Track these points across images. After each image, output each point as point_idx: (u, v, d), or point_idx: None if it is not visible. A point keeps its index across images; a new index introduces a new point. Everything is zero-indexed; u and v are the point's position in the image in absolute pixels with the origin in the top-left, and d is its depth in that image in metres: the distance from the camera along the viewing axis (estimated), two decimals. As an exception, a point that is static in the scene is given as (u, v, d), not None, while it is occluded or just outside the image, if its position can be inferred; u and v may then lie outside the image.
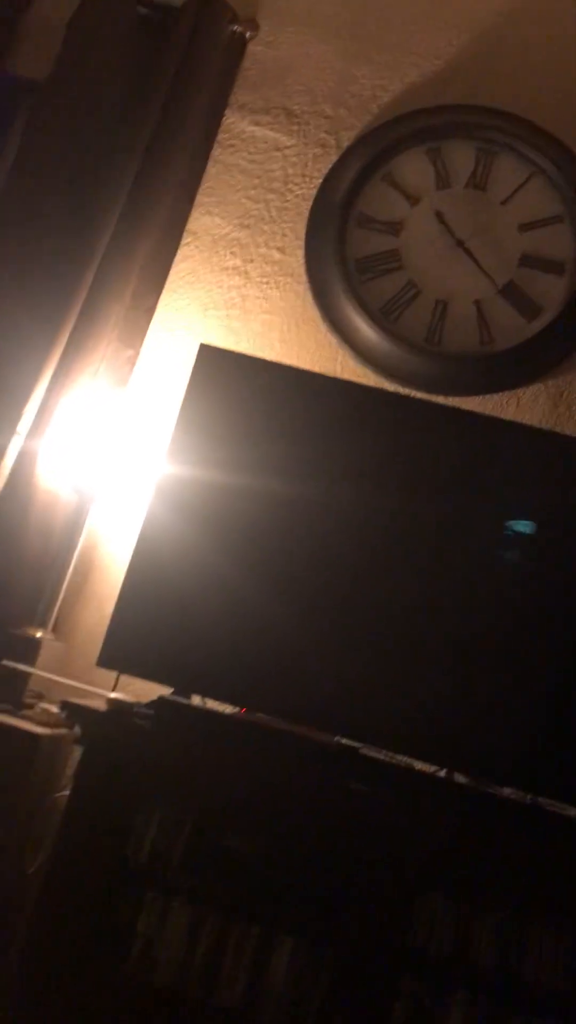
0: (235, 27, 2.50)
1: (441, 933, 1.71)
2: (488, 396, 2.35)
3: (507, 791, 1.90)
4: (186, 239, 2.48)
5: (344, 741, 1.90)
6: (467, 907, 1.71)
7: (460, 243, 2.39)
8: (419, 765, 1.91)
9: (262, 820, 1.78)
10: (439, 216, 2.40)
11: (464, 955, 1.70)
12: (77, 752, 1.98)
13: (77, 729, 1.95)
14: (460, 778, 1.92)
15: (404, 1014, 1.68)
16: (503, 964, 1.69)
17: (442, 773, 1.91)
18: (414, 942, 1.70)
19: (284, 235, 2.48)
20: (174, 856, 1.78)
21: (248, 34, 2.54)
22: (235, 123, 2.54)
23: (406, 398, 2.21)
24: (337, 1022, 1.68)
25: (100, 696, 2.02)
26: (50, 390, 2.28)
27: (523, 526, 1.96)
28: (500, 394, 2.35)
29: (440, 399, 2.31)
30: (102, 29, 2.44)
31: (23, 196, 2.38)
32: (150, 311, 2.40)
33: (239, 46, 2.54)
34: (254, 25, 2.55)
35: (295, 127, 2.52)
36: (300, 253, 2.45)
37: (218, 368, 2.06)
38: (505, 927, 1.70)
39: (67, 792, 1.88)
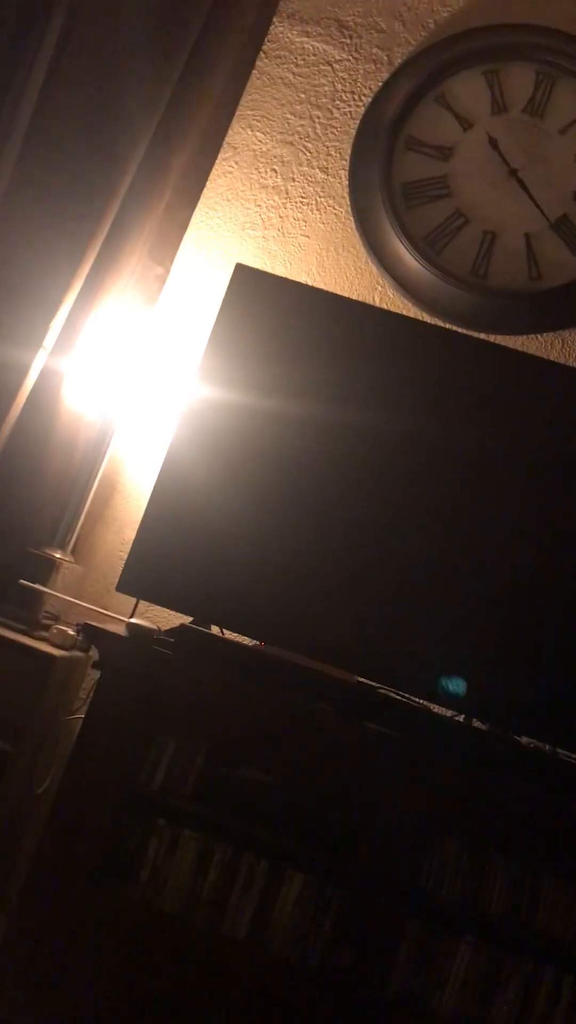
0: None
1: (452, 878, 1.69)
2: (532, 336, 2.26)
3: (525, 740, 1.87)
4: (225, 153, 2.38)
5: (363, 681, 1.87)
6: (480, 854, 1.70)
7: (513, 172, 2.28)
8: (437, 709, 1.89)
9: (276, 754, 1.76)
10: (493, 143, 2.28)
11: (474, 901, 1.69)
12: (92, 675, 1.96)
13: (92, 652, 1.93)
14: (479, 725, 1.89)
15: (409, 955, 1.68)
16: (513, 912, 1.68)
17: (461, 718, 1.88)
18: (425, 885, 1.69)
19: (328, 154, 2.37)
20: (187, 784, 1.77)
21: None
22: (283, 33, 2.41)
23: (447, 331, 2.12)
24: (342, 960, 1.67)
25: (117, 621, 1.99)
26: (77, 306, 2.21)
27: (559, 470, 1.89)
28: (544, 335, 2.26)
29: (482, 336, 2.22)
30: None
31: (53, 98, 2.27)
32: (183, 226, 2.32)
33: (292, -51, 2.40)
34: None
35: (346, 40, 2.40)
36: (344, 174, 2.35)
37: (253, 290, 1.99)
38: (517, 876, 1.68)
39: (80, 715, 1.86)
